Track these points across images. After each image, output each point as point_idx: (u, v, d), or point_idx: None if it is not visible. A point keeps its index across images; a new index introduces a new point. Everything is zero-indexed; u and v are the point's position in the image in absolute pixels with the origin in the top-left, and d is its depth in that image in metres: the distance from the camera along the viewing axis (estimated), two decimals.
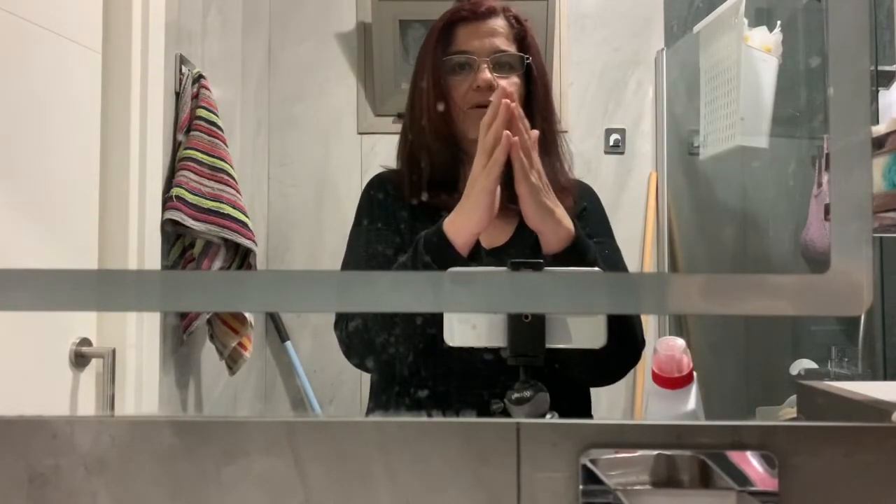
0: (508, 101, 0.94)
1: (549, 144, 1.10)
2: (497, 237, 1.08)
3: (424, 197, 1.08)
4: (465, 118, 1.08)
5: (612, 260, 1.09)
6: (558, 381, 0.82)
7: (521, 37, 1.10)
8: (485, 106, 1.02)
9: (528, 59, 1.09)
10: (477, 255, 1.02)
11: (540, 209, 0.95)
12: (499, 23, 1.09)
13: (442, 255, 0.94)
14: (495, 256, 1.06)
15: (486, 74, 1.06)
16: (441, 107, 1.08)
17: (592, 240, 1.04)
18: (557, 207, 0.97)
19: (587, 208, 1.12)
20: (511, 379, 0.80)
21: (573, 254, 0.96)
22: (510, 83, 1.07)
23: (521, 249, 1.06)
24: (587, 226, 1.07)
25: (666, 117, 2.32)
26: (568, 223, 0.97)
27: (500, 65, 1.08)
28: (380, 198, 1.13)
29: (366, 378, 1.22)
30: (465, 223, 0.96)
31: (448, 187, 1.08)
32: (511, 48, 1.09)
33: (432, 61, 1.09)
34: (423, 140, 1.10)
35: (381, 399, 1.12)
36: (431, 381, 1.03)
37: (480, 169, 0.95)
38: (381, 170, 1.18)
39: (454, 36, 1.09)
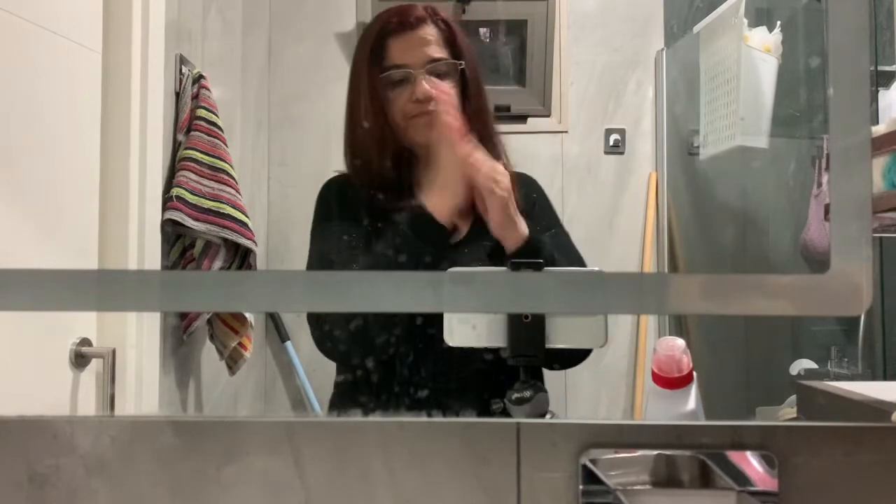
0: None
1: (485, 143, 1.14)
2: (456, 233, 1.14)
3: (380, 196, 1.12)
4: (406, 128, 1.11)
5: (566, 247, 1.16)
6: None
7: (452, 40, 1.13)
8: (425, 114, 1.09)
9: (461, 65, 1.12)
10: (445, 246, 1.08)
11: (505, 221, 1.04)
12: (429, 30, 1.11)
13: (427, 232, 1.03)
14: (456, 250, 1.11)
15: (425, 87, 1.09)
16: (380, 122, 1.11)
17: (549, 231, 1.12)
18: (518, 218, 1.05)
19: (537, 202, 1.17)
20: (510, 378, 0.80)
21: (527, 252, 1.04)
22: (449, 91, 1.10)
23: (479, 242, 1.12)
24: (541, 219, 1.14)
25: (666, 117, 2.32)
26: (524, 230, 1.05)
27: (436, 73, 1.10)
28: (336, 198, 1.17)
29: None
30: (444, 196, 1.04)
31: (400, 186, 1.12)
32: (443, 54, 1.11)
33: (368, 78, 1.11)
34: (366, 152, 1.14)
35: (344, 399, 1.14)
36: (402, 379, 1.06)
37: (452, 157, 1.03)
38: (334, 174, 1.22)
39: (387, 49, 1.11)
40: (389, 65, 1.10)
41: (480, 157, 1.05)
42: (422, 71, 1.09)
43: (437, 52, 1.11)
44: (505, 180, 1.04)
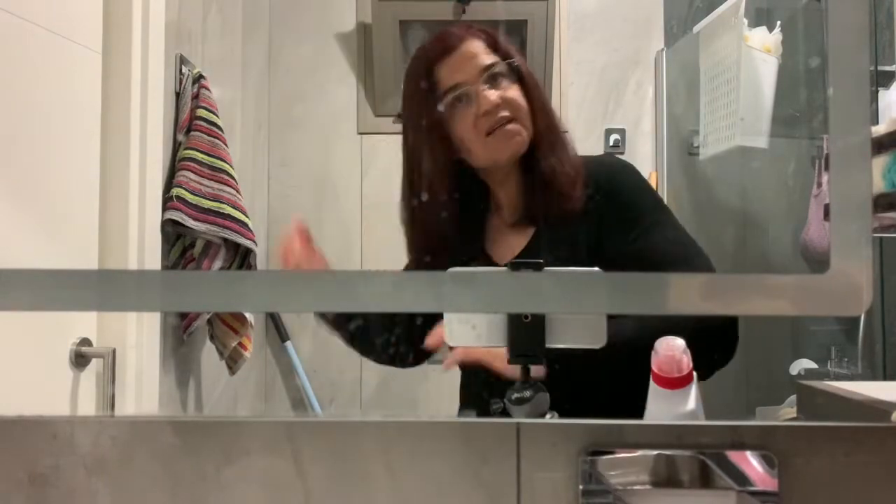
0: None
1: (555, 140, 1.07)
2: (509, 251, 1.08)
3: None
4: (484, 147, 1.04)
5: (650, 249, 1.02)
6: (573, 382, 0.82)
7: (496, 45, 1.07)
8: (500, 125, 1.02)
9: (515, 62, 1.06)
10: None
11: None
12: (472, 44, 1.05)
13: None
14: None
15: (487, 95, 1.02)
16: (451, 153, 1.05)
17: (613, 234, 1.01)
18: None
19: (596, 199, 1.05)
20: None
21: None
22: (513, 93, 1.04)
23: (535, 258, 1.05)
24: (600, 217, 1.03)
25: (666, 117, 2.32)
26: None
27: (493, 79, 1.04)
28: None
29: (365, 378, 1.22)
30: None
31: (477, 233, 1.09)
32: (494, 59, 1.05)
33: (428, 110, 1.04)
34: (442, 190, 1.05)
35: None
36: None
37: None
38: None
39: (436, 76, 1.04)
40: (444, 90, 1.04)
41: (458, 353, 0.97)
42: (479, 83, 1.03)
43: (488, 59, 1.04)
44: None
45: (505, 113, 1.03)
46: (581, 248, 1.03)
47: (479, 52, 1.05)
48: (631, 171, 1.10)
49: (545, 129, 1.06)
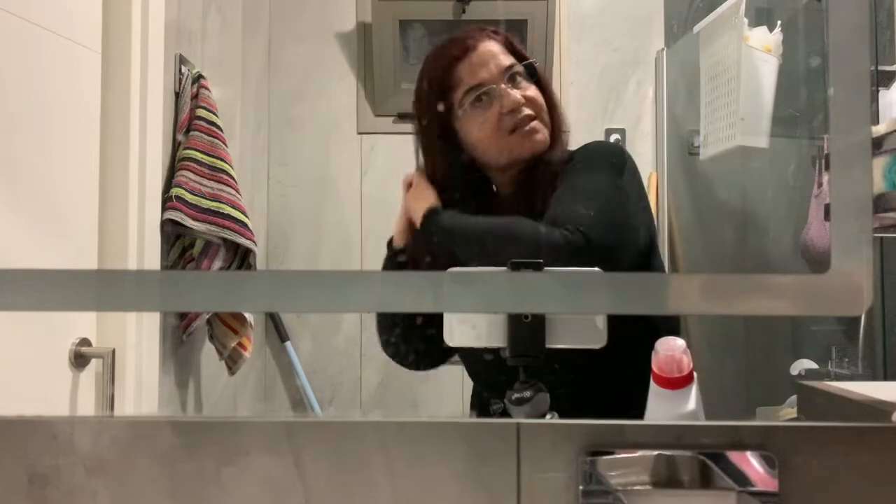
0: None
1: (565, 140, 1.10)
2: None
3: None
4: (507, 145, 1.06)
5: (572, 192, 1.04)
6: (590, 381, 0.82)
7: (512, 47, 1.09)
8: (524, 124, 1.04)
9: (535, 62, 1.08)
10: None
11: None
12: (490, 44, 1.07)
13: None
14: None
15: (512, 95, 1.04)
16: (471, 147, 1.07)
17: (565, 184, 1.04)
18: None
19: (566, 169, 1.08)
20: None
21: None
22: (533, 92, 1.06)
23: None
24: (564, 178, 1.06)
25: (666, 117, 2.32)
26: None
27: (514, 79, 1.06)
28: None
29: (365, 378, 1.22)
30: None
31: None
32: (513, 60, 1.07)
33: (445, 110, 1.06)
34: (454, 189, 1.07)
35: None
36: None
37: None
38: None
39: (457, 77, 1.06)
40: (465, 89, 1.05)
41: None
42: (501, 82, 1.05)
43: (507, 59, 1.06)
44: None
45: (528, 111, 1.05)
46: None
47: (498, 53, 1.07)
48: (607, 151, 1.15)
49: (559, 129, 1.09)
